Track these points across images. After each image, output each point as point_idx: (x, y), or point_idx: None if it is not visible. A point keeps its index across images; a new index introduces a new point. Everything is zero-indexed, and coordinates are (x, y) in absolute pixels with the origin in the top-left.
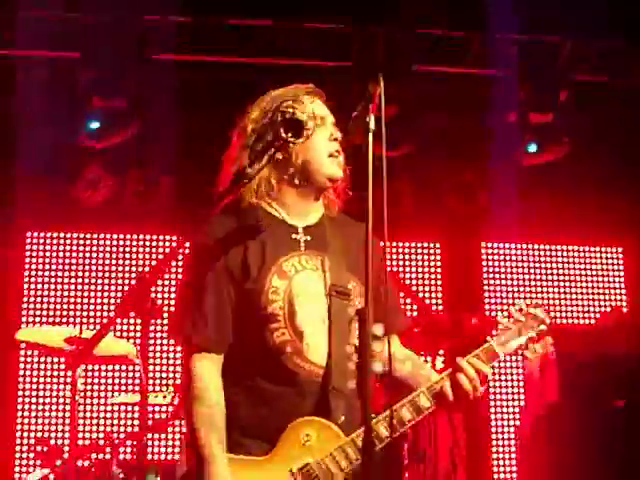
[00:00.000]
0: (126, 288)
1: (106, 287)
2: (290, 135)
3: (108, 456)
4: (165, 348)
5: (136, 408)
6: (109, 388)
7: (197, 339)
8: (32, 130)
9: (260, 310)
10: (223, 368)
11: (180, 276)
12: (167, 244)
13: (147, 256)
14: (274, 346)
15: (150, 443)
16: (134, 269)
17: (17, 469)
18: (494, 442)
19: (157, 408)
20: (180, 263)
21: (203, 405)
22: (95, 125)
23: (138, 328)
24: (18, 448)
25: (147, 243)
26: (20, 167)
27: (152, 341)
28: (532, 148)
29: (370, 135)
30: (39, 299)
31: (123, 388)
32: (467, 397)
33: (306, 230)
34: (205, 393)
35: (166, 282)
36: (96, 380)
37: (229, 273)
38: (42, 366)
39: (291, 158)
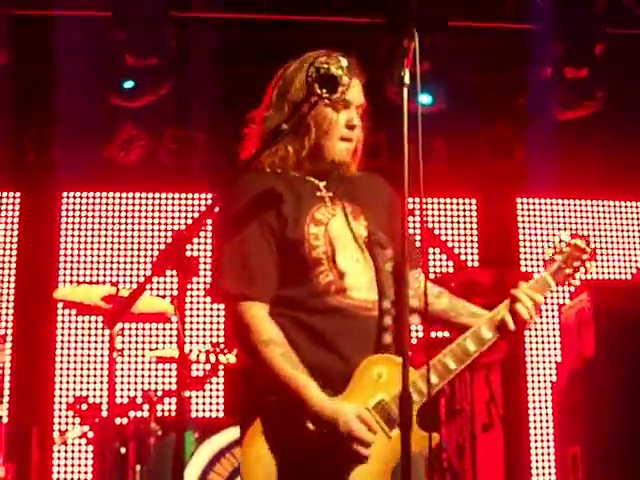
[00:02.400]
0: (162, 247)
1: (142, 246)
2: (325, 91)
3: (146, 413)
4: (202, 306)
5: (174, 366)
6: (146, 346)
7: (244, 290)
8: (67, 91)
9: (304, 257)
10: (274, 315)
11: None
12: (203, 202)
13: (183, 214)
14: (320, 287)
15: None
16: (170, 227)
17: (56, 427)
18: (530, 398)
19: (194, 365)
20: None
21: (275, 345)
22: (129, 84)
23: (175, 286)
24: (57, 407)
25: (183, 202)
26: (55, 128)
27: (189, 298)
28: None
29: (405, 90)
30: (75, 259)
31: (160, 346)
32: (524, 326)
33: (327, 187)
34: (271, 335)
35: (202, 240)
36: (133, 338)
37: (267, 225)
38: (79, 325)
39: (307, 133)
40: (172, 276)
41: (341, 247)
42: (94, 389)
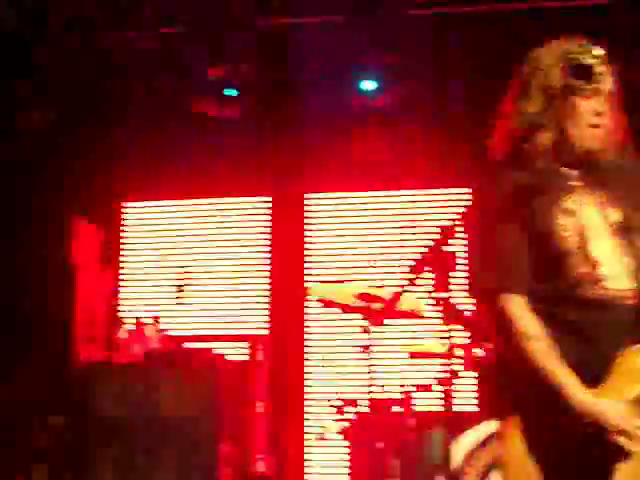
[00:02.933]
0: (416, 245)
1: (393, 244)
2: (582, 82)
3: (403, 409)
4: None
5: (428, 361)
6: (397, 342)
7: (502, 282)
8: (315, 93)
9: (554, 249)
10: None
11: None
12: (464, 197)
13: (439, 211)
14: (573, 280)
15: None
16: (415, 226)
17: (310, 423)
18: None
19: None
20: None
21: (536, 340)
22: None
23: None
24: (310, 403)
25: (437, 197)
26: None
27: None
28: None
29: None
30: (321, 259)
31: (420, 341)
32: None
33: (581, 176)
34: (533, 329)
35: (463, 235)
36: (384, 334)
37: (520, 219)
38: (329, 323)
39: (559, 123)
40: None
41: (593, 236)
42: (349, 385)
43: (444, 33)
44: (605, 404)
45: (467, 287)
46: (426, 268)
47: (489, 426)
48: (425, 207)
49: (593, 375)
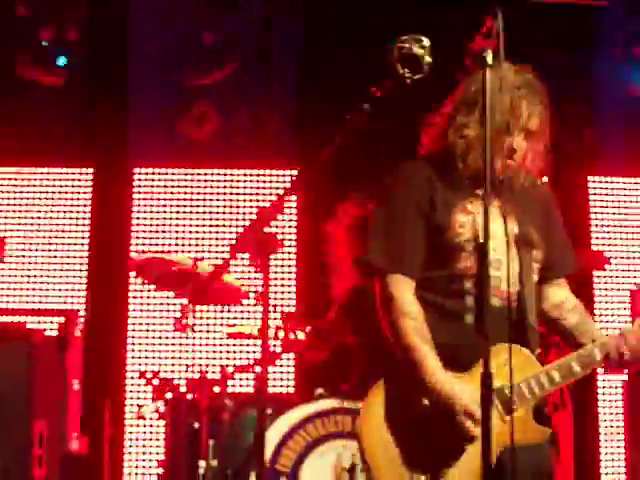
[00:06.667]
0: (239, 224)
1: (220, 223)
2: (407, 71)
3: (219, 389)
4: (274, 282)
5: (247, 342)
6: (218, 322)
7: (393, 263)
8: (142, 67)
9: (447, 242)
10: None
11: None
12: (286, 179)
13: (264, 191)
14: (459, 272)
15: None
16: (245, 205)
17: (128, 402)
18: (600, 381)
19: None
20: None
21: (410, 318)
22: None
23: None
24: (129, 381)
25: (262, 178)
26: (130, 104)
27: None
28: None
29: (487, 70)
30: (147, 235)
31: (236, 322)
32: (628, 365)
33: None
34: (409, 307)
35: (286, 217)
36: (210, 314)
37: (421, 209)
38: (152, 300)
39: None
40: (253, 253)
41: (488, 239)
42: (167, 364)
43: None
44: (459, 387)
45: (357, 265)
46: (246, 248)
47: (307, 408)
48: (250, 187)
49: (464, 364)
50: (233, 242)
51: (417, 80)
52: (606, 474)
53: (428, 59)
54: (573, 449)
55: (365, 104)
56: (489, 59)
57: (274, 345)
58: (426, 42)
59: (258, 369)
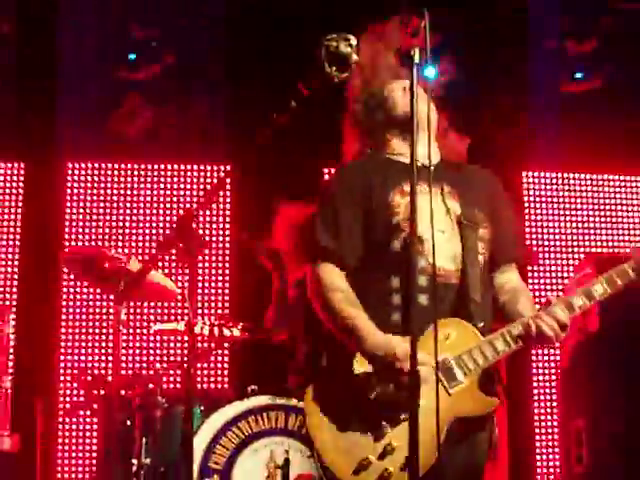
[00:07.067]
0: (167, 219)
1: (148, 218)
2: (335, 69)
3: (151, 386)
4: (207, 278)
5: (178, 339)
6: (152, 318)
7: (329, 249)
8: (73, 61)
9: (385, 223)
10: (356, 280)
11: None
12: (205, 174)
13: (195, 187)
14: (400, 252)
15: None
16: (177, 200)
17: (61, 399)
18: (534, 370)
19: (199, 338)
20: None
21: (339, 292)
22: (133, 56)
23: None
24: (62, 378)
25: (192, 174)
26: (61, 98)
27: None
28: (576, 75)
29: (414, 69)
30: (81, 230)
31: (165, 318)
32: (549, 341)
33: (427, 168)
34: (338, 284)
35: (214, 212)
36: (139, 310)
37: (358, 198)
38: (85, 297)
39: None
40: (180, 251)
41: (425, 217)
42: (99, 361)
43: None
44: (397, 340)
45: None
46: (172, 246)
47: (240, 405)
48: (181, 182)
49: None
50: (160, 239)
51: (344, 79)
52: (540, 469)
53: (355, 58)
54: (507, 440)
55: (292, 102)
56: (416, 58)
57: (206, 342)
58: (353, 41)
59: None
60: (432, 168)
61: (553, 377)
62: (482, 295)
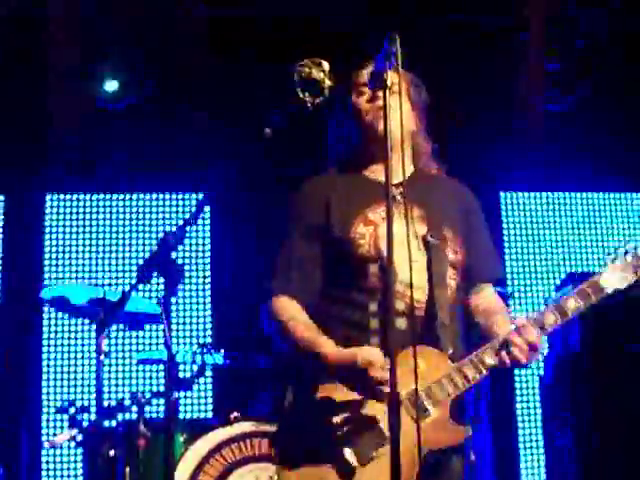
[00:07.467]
0: (147, 248)
1: (128, 247)
2: (307, 95)
3: (134, 415)
4: (189, 307)
5: (161, 367)
6: (133, 348)
7: (282, 286)
8: (53, 93)
9: (348, 255)
10: (319, 313)
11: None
12: (192, 202)
13: (173, 215)
14: (367, 285)
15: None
16: (157, 228)
17: (44, 430)
18: (518, 390)
19: (182, 367)
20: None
21: (293, 319)
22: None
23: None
24: (45, 410)
25: (169, 202)
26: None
27: (177, 299)
28: (549, 96)
29: (387, 91)
30: (61, 262)
31: (147, 348)
32: (520, 365)
33: (396, 186)
34: (294, 313)
35: (192, 241)
36: (120, 340)
37: (318, 225)
38: (66, 328)
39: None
40: (158, 280)
41: (395, 247)
42: (82, 392)
43: None
44: (356, 349)
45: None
46: (154, 273)
47: (223, 432)
48: (160, 211)
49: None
50: (139, 267)
51: (318, 104)
52: None
53: (328, 82)
54: (492, 460)
55: (267, 128)
56: (388, 81)
57: (188, 369)
58: (326, 66)
59: (175, 394)
60: (403, 190)
61: (537, 397)
62: (452, 320)
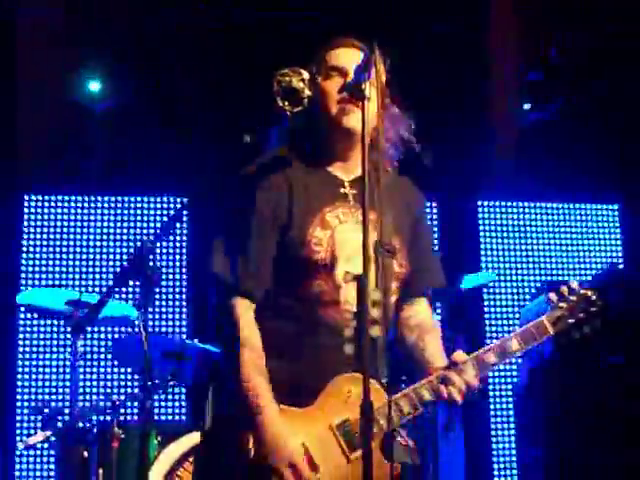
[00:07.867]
0: (126, 251)
1: (105, 250)
2: (287, 104)
3: (108, 417)
4: (164, 310)
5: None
6: (110, 350)
7: (241, 283)
8: (30, 90)
9: (301, 260)
10: (263, 318)
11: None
12: (164, 205)
13: (152, 218)
14: (312, 296)
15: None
16: (134, 231)
17: (18, 431)
18: (492, 398)
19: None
20: (185, 225)
21: (252, 351)
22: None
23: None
24: (19, 411)
25: (148, 205)
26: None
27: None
28: (526, 106)
29: (366, 102)
30: (37, 262)
31: None
32: (454, 402)
33: (352, 183)
34: (252, 339)
35: (171, 244)
36: (96, 342)
37: (274, 221)
38: (41, 329)
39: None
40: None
41: (344, 256)
42: (56, 393)
43: None
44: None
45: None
46: (132, 277)
47: (197, 436)
48: (139, 214)
49: (304, 394)
50: (117, 272)
51: (297, 113)
52: None
53: (308, 92)
54: (465, 470)
55: (246, 136)
56: (367, 92)
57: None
58: (305, 75)
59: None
60: (356, 191)
61: (510, 405)
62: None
